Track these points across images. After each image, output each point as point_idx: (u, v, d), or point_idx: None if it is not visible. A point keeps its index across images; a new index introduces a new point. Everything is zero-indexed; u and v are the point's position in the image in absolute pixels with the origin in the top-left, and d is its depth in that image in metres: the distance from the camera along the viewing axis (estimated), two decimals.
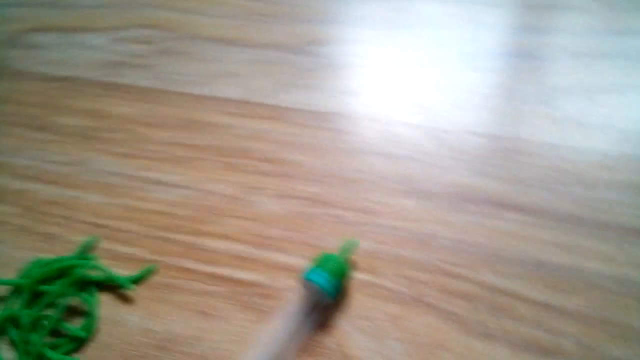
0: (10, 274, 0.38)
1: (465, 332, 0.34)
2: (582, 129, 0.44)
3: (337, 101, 0.47)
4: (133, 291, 0.37)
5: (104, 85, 0.49)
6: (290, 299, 0.35)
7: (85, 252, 0.39)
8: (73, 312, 0.36)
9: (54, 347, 0.35)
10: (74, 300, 0.37)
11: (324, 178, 0.42)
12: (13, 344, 0.35)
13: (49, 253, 0.39)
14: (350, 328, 0.34)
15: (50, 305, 0.36)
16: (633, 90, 0.46)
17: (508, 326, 0.34)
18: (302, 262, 0.37)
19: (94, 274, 0.37)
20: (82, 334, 0.35)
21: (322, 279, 0.34)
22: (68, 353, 0.35)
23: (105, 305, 0.37)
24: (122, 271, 0.38)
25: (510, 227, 0.38)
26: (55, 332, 0.35)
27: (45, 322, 0.35)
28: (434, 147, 0.43)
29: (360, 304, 0.35)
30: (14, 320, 0.36)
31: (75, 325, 0.36)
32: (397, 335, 0.34)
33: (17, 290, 0.37)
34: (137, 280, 0.37)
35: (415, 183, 0.41)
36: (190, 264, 0.38)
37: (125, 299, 0.37)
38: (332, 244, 0.38)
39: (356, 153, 0.43)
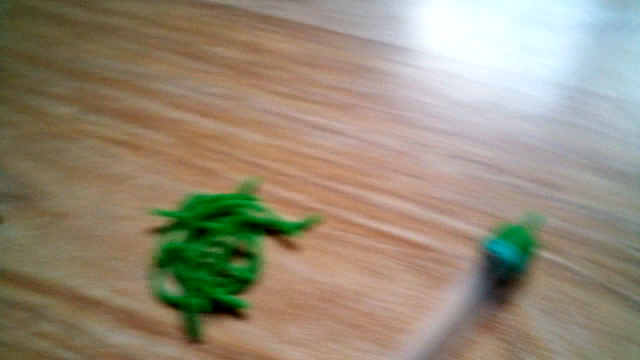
0: (169, 206, 0.38)
1: None
2: None
3: (518, 60, 0.43)
4: (298, 238, 0.36)
5: (260, 17, 0.47)
6: (471, 268, 0.33)
7: (248, 192, 0.38)
8: (237, 253, 0.36)
9: (219, 287, 0.34)
10: (238, 242, 0.36)
11: (501, 143, 0.39)
12: (179, 278, 0.35)
13: (207, 188, 0.39)
14: (532, 308, 0.32)
15: (215, 243, 0.36)
16: None
17: None
18: (476, 230, 0.35)
19: (258, 215, 0.36)
20: (249, 275, 0.34)
21: (508, 251, 0.31)
22: (232, 294, 0.34)
23: (270, 250, 0.36)
24: (283, 216, 0.37)
25: None
26: (218, 272, 0.35)
27: (212, 260, 0.35)
28: (627, 124, 0.39)
29: (544, 284, 0.33)
30: (178, 254, 0.36)
31: (239, 265, 0.35)
32: (583, 322, 0.32)
33: (179, 224, 0.37)
34: (302, 227, 0.36)
35: (605, 160, 0.38)
36: (355, 217, 0.36)
37: (290, 246, 0.36)
38: (510, 215, 0.36)
39: (538, 119, 0.40)
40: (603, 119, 0.40)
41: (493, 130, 0.40)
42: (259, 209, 0.37)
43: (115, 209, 0.38)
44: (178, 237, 0.36)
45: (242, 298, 0.34)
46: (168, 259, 0.36)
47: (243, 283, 0.34)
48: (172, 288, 0.35)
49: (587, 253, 0.34)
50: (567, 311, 0.32)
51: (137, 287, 0.35)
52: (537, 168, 0.38)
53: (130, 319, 0.34)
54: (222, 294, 0.33)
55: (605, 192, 0.36)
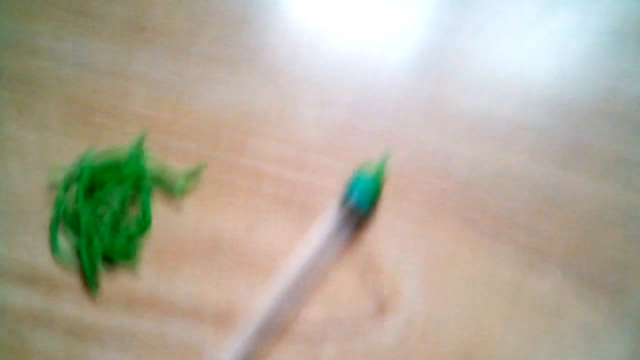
0: (61, 164, 0.39)
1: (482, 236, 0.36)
2: None
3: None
4: (185, 187, 0.38)
5: None
6: (334, 201, 0.37)
7: (139, 145, 0.39)
8: (129, 205, 0.38)
9: (111, 240, 0.36)
10: (129, 194, 0.38)
11: (371, 92, 0.41)
12: (71, 234, 0.37)
13: (99, 143, 0.40)
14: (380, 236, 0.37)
15: (107, 197, 0.37)
16: None
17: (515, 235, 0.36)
18: (345, 167, 0.38)
19: (149, 167, 0.38)
20: (139, 227, 0.37)
21: (359, 195, 0.35)
22: (124, 246, 0.36)
23: (158, 200, 0.38)
24: (173, 165, 0.38)
25: None
26: (112, 226, 0.37)
27: (105, 214, 0.37)
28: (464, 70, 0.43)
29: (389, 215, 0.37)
30: (72, 210, 0.37)
31: (131, 219, 0.37)
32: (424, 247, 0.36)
33: (72, 180, 0.38)
34: (189, 177, 0.38)
35: (439, 102, 0.41)
36: (237, 161, 0.39)
37: (177, 195, 0.38)
38: (372, 155, 0.39)
39: (390, 73, 0.42)
40: (447, 66, 0.43)
41: (363, 81, 0.42)
42: (149, 161, 0.38)
43: (10, 168, 0.39)
44: (72, 194, 0.38)
45: (133, 249, 0.36)
46: (63, 216, 0.37)
47: (134, 234, 0.37)
48: (69, 245, 0.37)
49: (430, 183, 0.38)
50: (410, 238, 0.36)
51: (35, 245, 0.37)
52: (399, 112, 0.40)
53: (30, 277, 0.36)
54: (114, 245, 0.35)
55: (442, 129, 0.40)
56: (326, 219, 0.35)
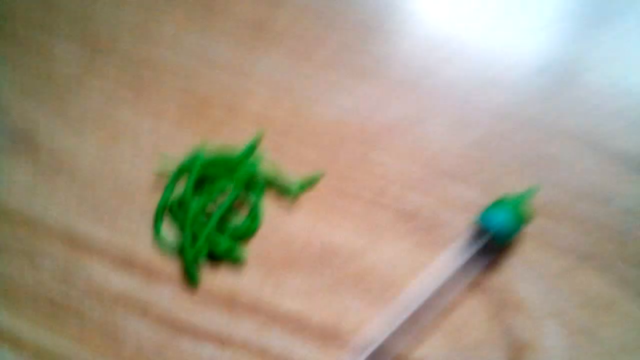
0: (174, 156, 0.38)
1: (638, 296, 0.33)
2: None
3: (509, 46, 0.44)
4: (299, 195, 0.37)
5: None
6: (464, 234, 0.34)
7: (254, 146, 0.38)
8: (239, 205, 0.37)
9: (218, 237, 0.35)
10: (240, 194, 0.36)
11: (507, 117, 0.40)
12: (177, 226, 0.36)
13: (214, 140, 0.39)
14: (520, 273, 0.34)
15: (218, 195, 0.36)
16: None
17: None
18: (479, 198, 0.36)
19: (263, 170, 0.37)
20: (249, 227, 0.35)
21: (501, 221, 0.32)
22: (231, 244, 0.35)
23: (270, 204, 0.36)
24: (288, 172, 0.37)
25: None
26: (219, 223, 0.36)
27: (212, 212, 0.36)
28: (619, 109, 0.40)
29: (533, 251, 0.34)
30: (181, 203, 0.36)
31: (239, 219, 0.36)
32: (566, 289, 0.33)
33: (183, 173, 0.37)
34: (304, 185, 0.37)
35: (601, 138, 0.38)
36: (357, 176, 0.37)
37: (291, 202, 0.36)
38: (510, 184, 0.36)
39: (534, 100, 0.40)
40: (591, 99, 0.40)
41: (498, 104, 0.40)
42: (264, 163, 0.37)
43: (121, 153, 0.39)
44: (180, 188, 0.37)
45: (240, 249, 0.35)
46: (170, 207, 0.36)
47: (242, 235, 0.35)
48: (172, 236, 0.36)
49: (578, 225, 0.35)
50: (552, 278, 0.34)
51: (138, 231, 0.36)
52: (542, 141, 0.38)
53: (129, 262, 0.35)
54: (220, 244, 0.34)
55: (597, 169, 0.37)
56: (458, 247, 0.33)
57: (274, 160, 0.38)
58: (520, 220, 0.33)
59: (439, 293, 0.32)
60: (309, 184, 0.37)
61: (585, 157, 0.37)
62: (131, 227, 0.36)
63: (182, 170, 0.37)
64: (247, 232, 0.35)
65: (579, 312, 0.32)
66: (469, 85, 0.41)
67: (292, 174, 0.37)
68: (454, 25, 0.43)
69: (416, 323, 0.32)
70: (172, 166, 0.37)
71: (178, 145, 0.39)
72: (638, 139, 0.38)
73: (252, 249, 0.35)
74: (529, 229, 0.35)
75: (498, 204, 0.33)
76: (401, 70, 0.41)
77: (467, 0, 0.44)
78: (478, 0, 0.44)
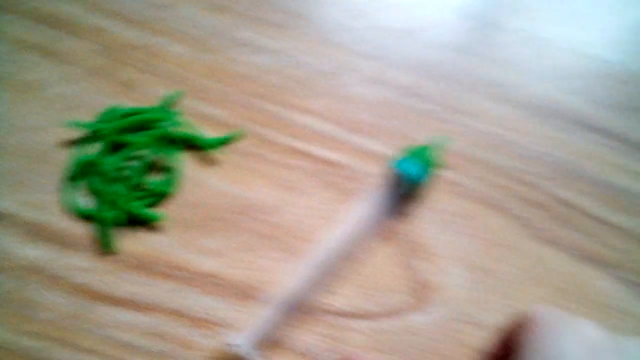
0: (84, 118, 0.37)
1: (531, 236, 0.35)
2: None
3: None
4: (217, 154, 0.36)
5: None
6: (376, 184, 0.34)
7: (168, 106, 0.37)
8: (154, 167, 0.36)
9: (134, 200, 0.34)
10: (156, 156, 0.36)
11: (416, 69, 0.40)
12: (90, 191, 0.35)
13: (126, 101, 0.38)
14: (427, 219, 0.35)
15: (132, 157, 0.35)
16: None
17: (570, 236, 0.35)
18: (387, 150, 0.36)
19: (178, 130, 0.36)
20: (165, 188, 0.35)
21: (411, 168, 0.33)
22: (148, 207, 0.34)
23: (187, 165, 0.36)
24: (204, 131, 0.37)
25: (589, 147, 0.38)
26: (135, 186, 0.35)
27: (128, 173, 0.35)
28: (529, 57, 0.41)
29: (439, 198, 0.35)
30: (93, 167, 0.35)
31: (156, 180, 0.35)
32: (468, 231, 0.35)
33: (94, 136, 0.36)
34: (222, 143, 0.36)
35: (506, 89, 0.39)
36: (275, 135, 0.37)
37: (208, 161, 0.36)
38: (419, 137, 0.37)
39: (449, 49, 0.41)
40: (507, 51, 0.41)
41: (409, 58, 0.40)
42: (179, 124, 0.36)
43: (27, 118, 0.37)
44: (93, 150, 0.36)
45: (158, 211, 0.34)
46: (82, 172, 0.35)
47: (159, 196, 0.35)
48: (85, 201, 0.35)
49: (480, 172, 0.36)
50: (456, 222, 0.35)
51: (48, 199, 0.35)
52: (448, 95, 0.39)
53: (41, 232, 0.34)
54: (137, 207, 0.34)
55: (505, 118, 0.38)
56: (370, 198, 0.34)
57: (190, 119, 0.37)
58: (429, 167, 0.34)
59: (351, 242, 0.32)
60: (225, 142, 0.36)
61: (492, 107, 0.38)
62: (41, 195, 0.35)
63: (94, 131, 0.36)
64: (164, 194, 0.35)
65: (480, 253, 0.34)
66: (384, 37, 0.40)
67: (209, 133, 0.36)
68: None
69: (329, 272, 0.32)
70: (83, 128, 0.36)
71: (89, 107, 0.37)
72: (545, 88, 0.39)
73: (170, 210, 0.35)
74: (436, 178, 0.36)
75: (409, 152, 0.34)
76: (316, 27, 0.41)
77: None
78: None
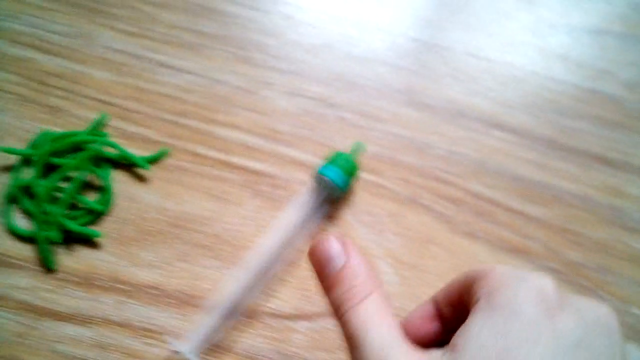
0: (15, 144, 0.38)
1: (452, 230, 0.38)
2: (563, 62, 0.47)
3: (352, 8, 0.48)
4: (147, 171, 0.38)
5: None
6: (303, 191, 0.38)
7: (96, 129, 0.39)
8: (87, 187, 0.38)
9: (70, 219, 0.36)
10: (88, 176, 0.38)
11: (333, 81, 0.43)
12: (28, 213, 0.36)
13: (54, 126, 0.39)
14: (355, 221, 0.38)
15: (65, 178, 0.37)
16: (610, 33, 0.50)
17: (488, 228, 0.39)
18: (310, 158, 0.40)
19: (108, 151, 0.38)
20: (100, 207, 0.37)
21: (335, 175, 0.36)
22: (84, 225, 0.36)
23: (119, 183, 0.38)
24: (133, 151, 0.39)
25: (496, 144, 0.42)
26: (70, 206, 0.37)
27: (61, 195, 0.36)
28: (433, 63, 0.45)
29: (364, 201, 0.39)
30: (27, 190, 0.37)
31: (90, 199, 0.37)
32: (394, 230, 0.38)
33: (26, 161, 0.38)
34: (151, 161, 0.39)
35: (416, 95, 0.44)
36: (202, 150, 0.39)
37: (140, 178, 0.38)
38: (339, 144, 0.40)
39: (366, 61, 0.45)
40: (419, 61, 0.45)
41: (327, 70, 0.44)
42: (108, 145, 0.38)
43: None
44: (28, 174, 0.37)
45: (94, 228, 0.36)
46: (19, 195, 0.37)
47: (94, 214, 0.37)
48: (23, 223, 0.36)
49: (400, 173, 0.40)
50: (382, 222, 0.38)
51: None
52: (363, 103, 0.43)
53: None
54: (73, 225, 0.35)
55: (416, 121, 0.42)
56: (298, 201, 0.37)
57: (119, 140, 0.39)
58: (352, 173, 0.37)
59: (285, 246, 0.36)
60: (154, 160, 0.39)
61: (404, 112, 0.43)
62: None
63: (27, 156, 0.38)
64: (99, 211, 0.37)
65: (407, 250, 0.38)
66: (300, 52, 0.44)
67: (139, 152, 0.39)
68: (286, 3, 0.46)
69: (266, 277, 0.35)
70: (16, 154, 0.37)
71: (20, 134, 0.39)
72: (452, 91, 0.44)
73: (106, 227, 0.37)
74: (359, 182, 0.39)
75: (331, 160, 0.37)
76: (232, 46, 0.44)
77: None
78: None
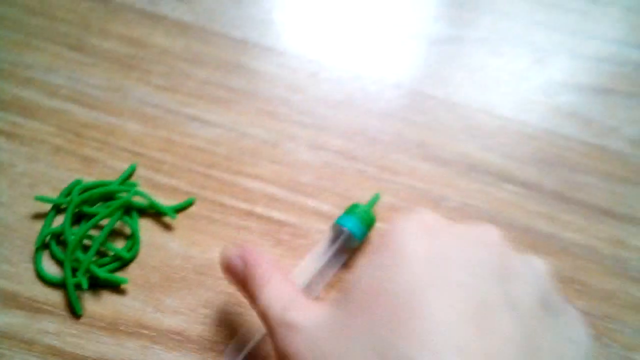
0: (48, 193, 0.40)
1: None
2: (572, 120, 0.48)
3: (369, 65, 0.50)
4: (174, 220, 0.40)
5: (142, 12, 0.50)
6: (321, 240, 0.39)
7: (127, 178, 0.41)
8: (115, 234, 0.39)
9: (99, 266, 0.37)
10: (117, 224, 0.39)
11: (353, 135, 0.45)
12: (57, 260, 0.38)
13: (86, 176, 0.41)
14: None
15: (95, 226, 0.39)
16: (617, 92, 0.51)
17: None
18: (330, 208, 0.41)
19: (137, 200, 0.40)
20: (127, 254, 0.38)
21: (353, 225, 0.38)
22: (111, 272, 0.37)
23: (146, 231, 0.39)
24: (161, 200, 0.40)
25: (506, 196, 0.43)
26: (98, 253, 0.38)
27: (91, 242, 0.38)
28: (448, 119, 0.47)
29: None
30: (57, 238, 0.38)
31: (117, 247, 0.38)
32: None
33: (58, 209, 0.39)
34: (178, 210, 0.40)
35: (431, 149, 0.45)
36: (227, 200, 0.41)
37: (166, 227, 0.40)
38: (357, 195, 0.42)
39: (383, 116, 0.46)
40: (433, 116, 0.47)
41: (348, 125, 0.45)
42: (137, 194, 0.40)
43: None
44: (58, 222, 0.39)
45: (121, 275, 0.37)
46: (49, 243, 0.38)
47: (121, 261, 0.38)
48: (53, 269, 0.38)
49: None
50: None
51: (18, 270, 0.37)
52: (381, 157, 0.44)
53: (11, 300, 0.36)
54: (101, 273, 0.37)
55: (430, 174, 0.44)
56: (316, 251, 0.38)
57: (148, 189, 0.41)
58: (369, 223, 0.39)
59: (305, 292, 0.36)
60: (181, 209, 0.40)
61: (420, 165, 0.44)
62: (12, 265, 0.38)
63: (59, 205, 0.39)
64: (126, 258, 0.38)
65: None
66: (323, 108, 0.46)
67: (166, 201, 0.40)
68: (312, 58, 0.48)
69: None
70: (49, 202, 0.39)
71: (54, 183, 0.41)
72: (465, 146, 0.45)
73: (132, 274, 0.38)
74: (375, 231, 0.40)
75: (350, 210, 0.39)
76: (259, 101, 0.46)
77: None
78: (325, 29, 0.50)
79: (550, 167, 0.45)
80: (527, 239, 0.41)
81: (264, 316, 0.28)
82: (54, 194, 0.40)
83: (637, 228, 0.43)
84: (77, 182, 0.40)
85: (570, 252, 0.41)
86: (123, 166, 0.42)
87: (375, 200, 0.40)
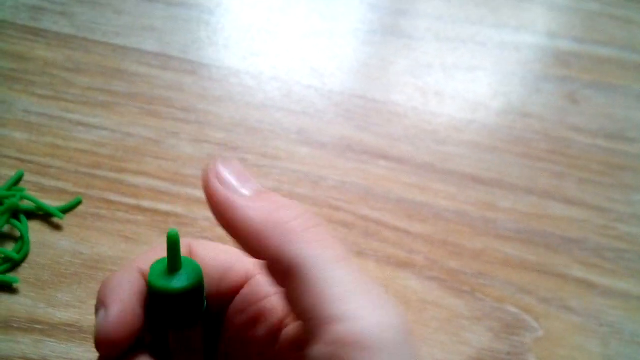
0: None
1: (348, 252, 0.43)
2: (439, 97, 0.53)
3: (247, 61, 0.53)
4: (62, 219, 0.42)
5: (21, 28, 0.52)
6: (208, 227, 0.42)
7: (13, 184, 0.43)
8: (5, 238, 0.41)
9: None
10: (5, 228, 0.41)
11: (234, 127, 0.48)
12: None
13: None
14: None
15: None
16: (480, 69, 0.57)
17: (376, 246, 0.44)
18: None
19: (24, 204, 0.42)
20: (16, 256, 0.40)
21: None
22: (2, 273, 0.39)
23: (36, 232, 0.41)
24: (49, 203, 0.42)
25: (381, 172, 0.48)
26: None
27: None
28: (324, 105, 0.51)
29: None
30: None
31: (7, 249, 0.40)
32: None
33: None
34: (65, 210, 0.42)
35: (309, 134, 0.49)
36: (114, 197, 0.43)
37: (55, 227, 0.42)
38: None
39: (260, 107, 0.50)
40: (309, 103, 0.51)
41: (228, 118, 0.49)
42: (24, 198, 0.42)
43: None
44: None
45: (12, 275, 0.39)
46: None
47: (12, 263, 0.40)
48: None
49: None
50: None
51: None
52: (261, 145, 0.48)
53: None
54: None
55: (310, 158, 0.48)
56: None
57: (36, 193, 0.43)
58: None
59: None
60: (68, 209, 0.42)
61: (298, 150, 0.48)
62: None
63: None
64: (17, 259, 0.40)
65: None
66: (204, 104, 0.49)
67: (55, 203, 0.42)
68: (195, 51, 0.51)
69: None
70: None
71: None
72: (338, 129, 0.49)
73: (24, 273, 0.40)
74: None
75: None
76: (142, 101, 0.48)
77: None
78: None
79: (421, 141, 0.50)
80: (402, 208, 0.46)
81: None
82: None
83: (504, 191, 0.48)
84: None
85: (442, 217, 0.46)
86: (11, 174, 0.43)
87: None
